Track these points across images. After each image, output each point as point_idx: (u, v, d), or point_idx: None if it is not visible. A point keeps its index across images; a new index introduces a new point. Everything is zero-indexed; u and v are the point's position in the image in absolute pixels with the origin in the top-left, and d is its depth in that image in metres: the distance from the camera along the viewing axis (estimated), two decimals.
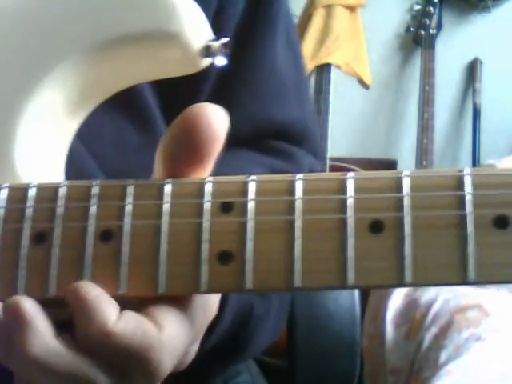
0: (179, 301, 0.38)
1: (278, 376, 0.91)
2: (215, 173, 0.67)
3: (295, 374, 0.87)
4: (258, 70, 0.67)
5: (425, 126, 2.16)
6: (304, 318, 0.91)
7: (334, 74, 2.14)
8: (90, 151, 0.58)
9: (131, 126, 0.62)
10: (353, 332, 0.87)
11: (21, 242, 0.38)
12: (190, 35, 0.42)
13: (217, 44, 0.42)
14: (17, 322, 0.36)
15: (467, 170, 0.36)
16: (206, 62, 0.43)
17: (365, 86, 2.19)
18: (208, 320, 0.40)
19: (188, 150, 0.37)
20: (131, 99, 0.59)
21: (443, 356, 1.14)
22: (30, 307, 0.36)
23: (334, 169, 2.13)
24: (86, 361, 0.37)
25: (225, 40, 0.43)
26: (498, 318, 1.22)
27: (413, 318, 1.32)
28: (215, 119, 0.37)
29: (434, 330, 1.23)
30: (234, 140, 0.66)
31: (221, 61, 0.43)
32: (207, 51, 0.42)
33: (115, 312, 0.36)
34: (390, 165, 2.26)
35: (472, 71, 2.32)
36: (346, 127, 2.37)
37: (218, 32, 0.63)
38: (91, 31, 0.42)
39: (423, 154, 2.14)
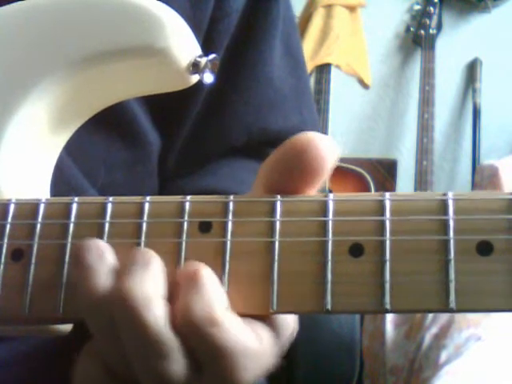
0: (269, 320, 0.37)
1: (278, 375, 0.91)
2: (206, 182, 0.66)
3: (294, 374, 0.87)
4: (252, 80, 0.67)
5: (425, 126, 2.15)
6: (303, 317, 0.91)
7: (334, 74, 2.14)
8: (79, 167, 0.57)
9: (120, 142, 0.61)
10: (353, 332, 0.87)
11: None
12: (177, 51, 0.41)
13: (204, 60, 0.42)
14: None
15: (450, 195, 0.35)
16: (194, 78, 0.42)
17: (365, 86, 2.19)
18: (288, 338, 0.39)
19: (296, 168, 0.36)
20: (119, 114, 0.59)
21: (443, 355, 1.14)
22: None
23: (333, 169, 2.13)
24: (177, 340, 0.35)
25: (212, 56, 0.42)
26: (498, 318, 1.22)
27: (413, 318, 1.32)
28: (323, 143, 0.36)
29: (434, 330, 1.23)
30: (230, 149, 0.66)
31: (208, 77, 0.42)
32: (195, 68, 0.42)
33: (225, 301, 0.35)
34: (390, 165, 2.26)
35: (472, 71, 2.31)
36: (346, 127, 2.36)
37: (213, 43, 0.63)
38: (77, 46, 0.42)
39: (423, 153, 2.14)
